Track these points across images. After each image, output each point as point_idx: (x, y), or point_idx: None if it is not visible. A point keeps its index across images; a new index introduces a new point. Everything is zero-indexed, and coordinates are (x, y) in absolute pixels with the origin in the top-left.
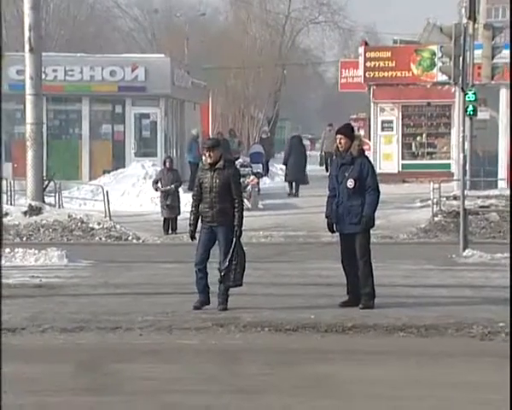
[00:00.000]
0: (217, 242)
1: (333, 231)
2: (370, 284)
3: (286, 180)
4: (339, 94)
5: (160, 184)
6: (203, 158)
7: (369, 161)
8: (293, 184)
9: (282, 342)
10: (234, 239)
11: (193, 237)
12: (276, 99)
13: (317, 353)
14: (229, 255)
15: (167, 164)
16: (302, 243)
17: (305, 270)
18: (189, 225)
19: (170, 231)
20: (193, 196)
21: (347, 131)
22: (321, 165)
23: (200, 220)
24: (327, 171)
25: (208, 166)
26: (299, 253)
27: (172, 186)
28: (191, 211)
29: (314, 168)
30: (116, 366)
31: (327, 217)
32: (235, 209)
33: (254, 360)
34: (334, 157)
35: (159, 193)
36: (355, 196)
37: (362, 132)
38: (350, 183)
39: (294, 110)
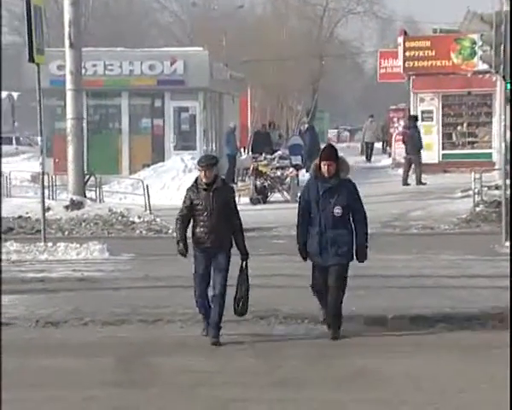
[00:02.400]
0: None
1: (305, 259)
2: (339, 314)
3: (307, 171)
4: (378, 84)
5: None
6: (200, 175)
7: (355, 185)
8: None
9: (323, 334)
10: (244, 264)
11: (185, 254)
12: (315, 90)
13: (358, 345)
14: (243, 284)
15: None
16: None
17: None
18: (178, 242)
19: None
20: (180, 216)
21: (334, 155)
22: (361, 154)
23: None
24: (367, 160)
25: (204, 186)
26: None
27: None
28: (178, 230)
29: (354, 159)
30: (157, 359)
31: (298, 244)
32: (237, 231)
33: (295, 352)
34: (313, 179)
35: None
36: (341, 224)
37: (402, 123)
38: (338, 210)
39: (333, 102)
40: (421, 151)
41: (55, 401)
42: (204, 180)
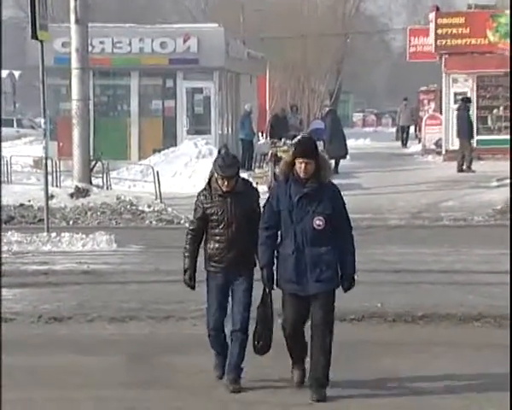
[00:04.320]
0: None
1: (272, 288)
2: (328, 366)
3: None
4: (407, 64)
5: None
6: (218, 181)
7: (340, 191)
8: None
9: (347, 332)
10: (266, 289)
11: (194, 287)
12: (339, 71)
13: (384, 344)
14: (266, 315)
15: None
16: (367, 226)
17: (369, 255)
18: (185, 271)
19: None
20: (191, 230)
21: (313, 151)
22: (397, 139)
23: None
24: (403, 145)
25: (221, 192)
26: (363, 237)
27: None
28: (187, 252)
29: (384, 145)
30: (168, 358)
31: (262, 268)
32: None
33: None
34: (283, 183)
35: None
36: (323, 241)
37: (432, 106)
38: (319, 222)
39: (358, 83)
40: (472, 135)
41: (60, 403)
42: (225, 189)
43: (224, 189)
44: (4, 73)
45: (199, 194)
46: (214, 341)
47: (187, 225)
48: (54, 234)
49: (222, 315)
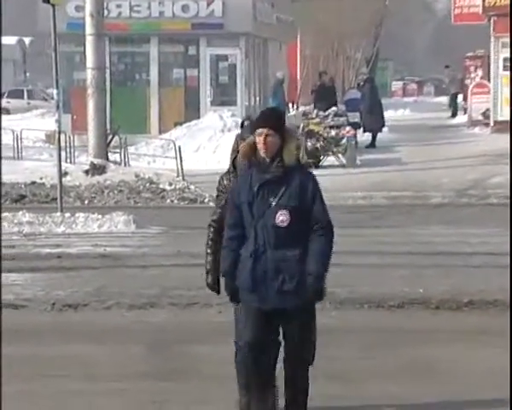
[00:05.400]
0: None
1: (237, 301)
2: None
3: (364, 131)
4: (452, 28)
5: None
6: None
7: (315, 177)
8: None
9: (385, 320)
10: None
11: (219, 291)
12: (377, 35)
13: (426, 333)
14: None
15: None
16: (407, 204)
17: (410, 236)
18: (207, 272)
19: None
20: (214, 222)
21: (276, 122)
22: (450, 107)
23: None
24: (452, 116)
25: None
26: (404, 217)
27: None
28: (209, 249)
29: (426, 116)
30: (191, 348)
31: (224, 275)
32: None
33: (352, 341)
34: (246, 169)
35: None
36: (289, 241)
37: (479, 73)
38: (282, 217)
39: (398, 49)
40: None
41: (74, 396)
42: (263, 154)
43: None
44: (14, 39)
45: (221, 177)
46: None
47: (211, 204)
48: (68, 214)
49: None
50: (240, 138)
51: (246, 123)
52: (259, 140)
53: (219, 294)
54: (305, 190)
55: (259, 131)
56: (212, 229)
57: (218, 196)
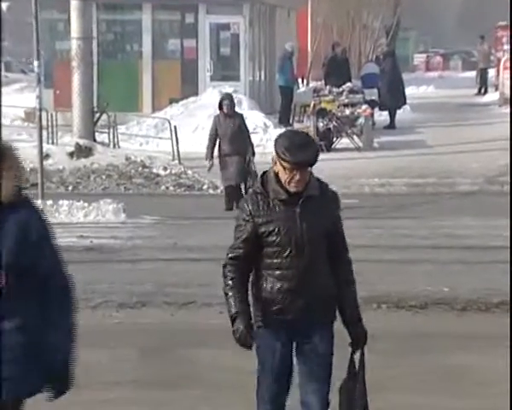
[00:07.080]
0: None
1: (249, 346)
2: None
3: (380, 109)
4: None
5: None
6: (281, 176)
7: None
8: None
9: (406, 323)
10: (360, 355)
11: (251, 345)
12: (398, 2)
13: (452, 337)
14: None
15: (225, 108)
16: (431, 193)
17: (434, 228)
18: (234, 318)
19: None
20: (232, 260)
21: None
22: (478, 83)
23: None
24: (479, 93)
25: (285, 196)
26: (427, 206)
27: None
28: (230, 291)
29: (452, 94)
30: (189, 351)
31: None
32: (345, 283)
33: (370, 346)
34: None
35: None
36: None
37: (507, 47)
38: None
39: (422, 17)
40: None
41: (60, 406)
42: (293, 187)
43: (293, 187)
44: None
45: (245, 200)
46: None
47: (211, 191)
48: (50, 202)
49: (283, 390)
50: (218, 120)
51: (225, 101)
52: (295, 176)
53: (251, 349)
54: (334, 209)
55: (294, 167)
56: (229, 269)
57: (238, 226)
